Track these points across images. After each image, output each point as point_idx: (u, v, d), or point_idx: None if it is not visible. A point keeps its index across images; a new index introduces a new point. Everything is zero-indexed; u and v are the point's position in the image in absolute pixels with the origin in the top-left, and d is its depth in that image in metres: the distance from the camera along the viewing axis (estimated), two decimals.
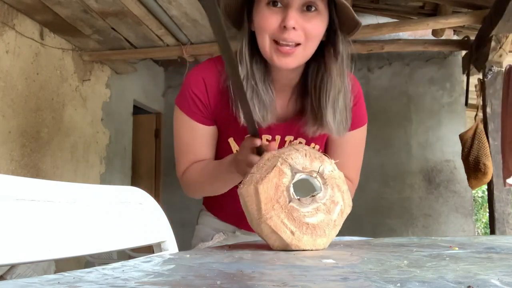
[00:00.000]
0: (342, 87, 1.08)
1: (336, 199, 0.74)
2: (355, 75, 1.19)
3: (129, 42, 3.86)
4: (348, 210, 0.76)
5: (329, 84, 1.07)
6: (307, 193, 0.74)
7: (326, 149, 1.26)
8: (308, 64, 1.10)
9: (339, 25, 1.06)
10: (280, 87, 1.14)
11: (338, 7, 1.02)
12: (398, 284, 0.38)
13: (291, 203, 0.70)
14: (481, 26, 3.47)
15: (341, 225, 0.75)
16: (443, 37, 4.28)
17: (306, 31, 0.99)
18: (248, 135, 0.96)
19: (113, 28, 3.57)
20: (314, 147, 1.21)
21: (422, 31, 4.32)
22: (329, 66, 1.07)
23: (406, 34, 4.42)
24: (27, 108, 3.38)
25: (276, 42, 1.00)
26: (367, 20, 4.59)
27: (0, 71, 3.11)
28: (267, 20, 0.99)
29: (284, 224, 0.69)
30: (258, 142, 0.93)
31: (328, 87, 1.07)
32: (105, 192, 0.79)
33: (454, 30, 4.53)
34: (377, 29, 3.63)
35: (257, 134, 0.94)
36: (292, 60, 1.01)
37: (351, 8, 1.00)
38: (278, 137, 1.19)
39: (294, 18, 0.97)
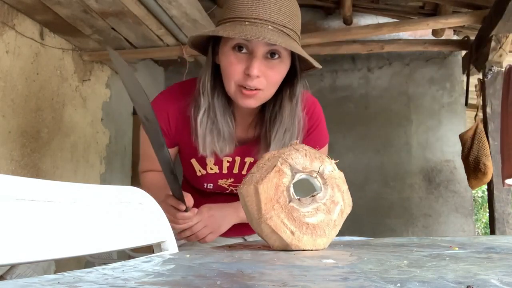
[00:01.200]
0: (291, 127, 1.16)
1: (336, 199, 0.74)
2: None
3: (129, 42, 3.86)
4: (348, 210, 0.76)
5: (279, 123, 1.15)
6: (307, 193, 0.74)
7: None
8: None
9: (299, 67, 1.14)
10: (240, 116, 1.21)
11: (298, 56, 1.09)
12: (398, 284, 0.38)
13: (291, 203, 0.70)
14: (481, 26, 3.47)
15: (341, 225, 0.75)
16: (443, 37, 4.28)
17: (268, 77, 1.06)
18: (172, 197, 1.06)
19: (113, 28, 3.56)
20: None
21: (422, 31, 4.32)
22: (283, 105, 1.15)
23: (406, 34, 4.42)
24: (27, 108, 3.38)
25: (240, 85, 1.06)
26: (367, 20, 4.59)
27: (0, 71, 3.11)
28: (233, 67, 1.05)
29: (284, 224, 0.69)
30: (182, 207, 1.05)
31: (277, 125, 1.15)
32: (105, 192, 0.79)
33: (454, 30, 4.53)
34: (377, 29, 3.63)
35: (181, 197, 1.04)
36: (254, 101, 1.09)
37: (310, 58, 1.07)
38: (238, 158, 1.25)
39: (257, 67, 1.03)
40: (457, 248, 0.71)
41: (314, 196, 0.73)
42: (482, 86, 3.57)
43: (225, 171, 1.27)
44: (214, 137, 1.14)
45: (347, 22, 4.52)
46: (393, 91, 4.79)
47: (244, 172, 1.27)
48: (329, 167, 0.77)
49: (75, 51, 3.97)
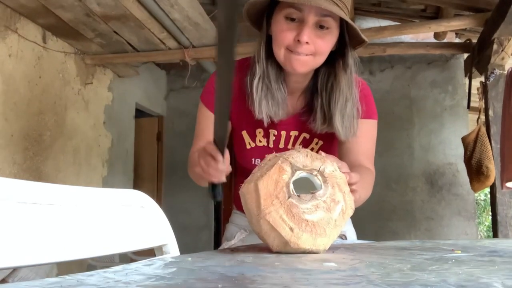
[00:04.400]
0: (350, 97, 1.21)
1: (337, 198, 0.74)
2: (358, 69, 1.27)
3: (131, 45, 3.87)
4: (350, 212, 0.76)
5: (338, 92, 1.20)
6: (308, 193, 0.74)
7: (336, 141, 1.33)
8: (318, 69, 1.22)
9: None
10: (291, 87, 1.26)
11: (348, 26, 1.15)
12: None
13: (290, 199, 0.70)
14: (483, 29, 3.46)
15: (343, 226, 0.74)
16: (445, 40, 4.28)
17: (317, 46, 1.12)
18: (212, 144, 1.00)
19: (115, 32, 3.57)
20: (317, 143, 1.30)
21: (424, 34, 4.32)
22: (339, 76, 1.21)
23: (408, 37, 4.42)
24: (29, 112, 3.39)
25: (289, 50, 1.13)
26: (369, 23, 4.59)
27: (2, 75, 3.12)
28: (284, 34, 1.12)
29: (283, 220, 0.69)
30: (219, 157, 0.99)
31: (337, 94, 1.20)
32: (107, 195, 0.79)
33: (456, 33, 4.53)
34: (379, 32, 3.63)
35: (222, 147, 1.00)
36: (303, 67, 1.15)
37: (358, 30, 1.13)
38: (283, 133, 1.30)
39: (308, 34, 1.09)
40: (459, 251, 0.70)
41: (313, 193, 0.73)
42: (484, 89, 3.56)
43: (271, 145, 1.31)
44: (268, 101, 1.20)
45: None
46: (395, 94, 4.79)
47: (289, 147, 1.30)
48: (331, 167, 0.76)
49: (78, 54, 3.98)
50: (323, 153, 0.81)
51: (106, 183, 4.37)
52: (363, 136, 1.26)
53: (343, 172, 0.83)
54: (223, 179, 1.07)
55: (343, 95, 1.20)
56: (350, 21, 1.11)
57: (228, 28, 0.71)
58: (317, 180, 0.74)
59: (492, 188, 3.49)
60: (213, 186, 1.10)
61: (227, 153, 1.05)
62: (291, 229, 0.68)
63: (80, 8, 3.13)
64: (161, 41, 3.77)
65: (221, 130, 0.98)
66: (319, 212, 0.71)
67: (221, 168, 1.03)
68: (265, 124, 1.24)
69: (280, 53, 1.14)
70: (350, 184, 0.85)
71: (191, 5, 3.24)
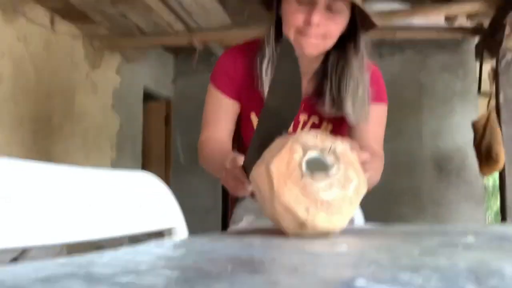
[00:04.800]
0: (361, 80, 1.20)
1: (351, 175, 0.72)
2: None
3: (139, 29, 3.85)
4: (363, 190, 0.74)
5: (349, 76, 1.19)
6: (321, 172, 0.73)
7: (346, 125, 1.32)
8: (328, 52, 1.22)
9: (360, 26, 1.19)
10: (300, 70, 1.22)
11: (358, 10, 1.14)
12: (411, 272, 0.38)
13: (303, 179, 0.68)
14: (495, 12, 3.41)
15: (358, 204, 0.73)
16: (456, 24, 4.22)
17: (327, 28, 1.11)
18: (241, 169, 0.97)
19: (123, 15, 3.56)
20: (326, 127, 1.30)
21: (435, 17, 4.25)
22: (350, 59, 1.20)
23: (418, 20, 4.36)
24: (38, 95, 3.40)
25: (299, 32, 1.12)
26: (379, 6, 4.54)
27: (11, 58, 3.13)
28: (294, 15, 1.11)
29: (298, 200, 0.67)
30: (247, 184, 0.96)
31: (348, 77, 1.19)
32: (117, 177, 0.79)
33: (467, 17, 4.46)
34: (389, 16, 3.59)
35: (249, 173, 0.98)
36: (313, 49, 1.14)
37: (370, 13, 1.14)
38: None
39: (318, 16, 1.09)
40: (472, 236, 0.70)
41: (327, 172, 0.71)
42: (495, 74, 3.52)
43: None
44: None
45: None
46: (405, 79, 4.74)
47: (299, 130, 1.30)
48: (342, 146, 0.75)
49: (86, 38, 3.97)
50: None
51: (115, 166, 4.40)
52: (373, 121, 1.26)
53: (353, 151, 0.83)
54: (247, 193, 1.07)
55: (354, 79, 1.19)
56: (360, 5, 1.10)
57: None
58: (329, 159, 0.73)
59: (501, 173, 3.47)
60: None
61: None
62: (307, 209, 0.67)
63: None
64: (169, 25, 3.75)
65: (253, 157, 0.90)
66: (334, 190, 0.70)
67: (248, 190, 1.01)
68: None
69: (290, 35, 1.13)
70: (360, 164, 0.85)
71: None
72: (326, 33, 1.12)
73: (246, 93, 1.29)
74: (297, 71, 0.83)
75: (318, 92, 1.25)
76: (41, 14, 3.42)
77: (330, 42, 1.15)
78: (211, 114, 1.31)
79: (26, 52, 3.27)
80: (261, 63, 1.20)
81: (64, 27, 3.68)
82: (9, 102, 3.11)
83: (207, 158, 1.26)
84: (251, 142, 0.92)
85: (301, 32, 1.11)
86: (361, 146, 0.95)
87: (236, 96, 1.30)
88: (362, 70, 1.21)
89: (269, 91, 0.90)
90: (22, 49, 3.23)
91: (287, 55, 0.85)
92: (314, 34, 1.10)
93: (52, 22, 3.55)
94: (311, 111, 1.28)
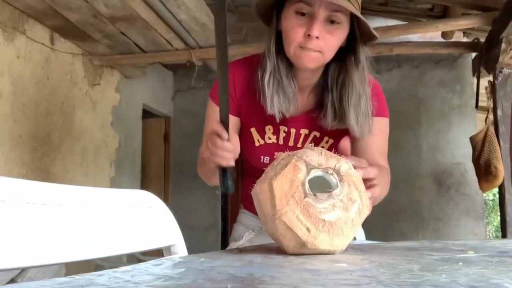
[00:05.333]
0: (363, 93, 1.19)
1: (354, 197, 0.72)
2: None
3: (138, 46, 3.88)
4: (366, 211, 0.74)
5: (351, 88, 1.19)
6: (324, 192, 0.72)
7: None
8: (328, 65, 1.21)
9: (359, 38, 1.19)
10: (301, 84, 1.25)
11: (359, 21, 1.14)
12: None
13: (306, 199, 0.68)
14: (491, 28, 3.44)
15: (360, 225, 0.72)
16: (453, 39, 4.25)
17: (326, 41, 1.11)
18: (219, 123, 1.07)
19: (122, 33, 3.59)
20: (327, 141, 1.29)
21: (431, 33, 4.29)
22: (350, 72, 1.19)
23: (415, 36, 4.40)
24: (38, 112, 3.41)
25: (299, 47, 1.12)
26: (376, 23, 4.57)
27: (11, 76, 3.14)
28: (294, 29, 1.12)
29: (299, 220, 0.66)
30: (225, 135, 1.05)
31: (349, 89, 1.19)
32: (115, 196, 0.79)
33: (463, 32, 4.50)
34: (386, 32, 3.62)
35: (227, 125, 1.06)
36: (312, 63, 1.14)
37: (369, 25, 1.13)
38: (293, 130, 1.29)
39: (318, 29, 1.09)
40: (472, 252, 0.70)
41: (330, 192, 0.71)
42: (492, 88, 3.54)
43: (281, 142, 1.30)
44: (280, 96, 1.20)
45: None
46: (403, 94, 4.77)
47: (299, 145, 1.29)
48: (346, 165, 0.74)
49: (85, 55, 3.99)
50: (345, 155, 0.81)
51: (114, 183, 4.39)
52: (377, 134, 1.25)
53: (362, 168, 0.83)
54: (232, 162, 1.08)
55: (356, 91, 1.18)
56: (360, 16, 1.10)
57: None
58: (333, 179, 0.72)
59: (501, 188, 3.46)
60: (223, 173, 1.10)
61: (236, 137, 1.08)
62: (308, 230, 0.66)
63: (88, 9, 3.14)
64: (168, 42, 3.78)
65: (225, 109, 1.03)
66: (336, 212, 0.69)
67: (227, 146, 1.05)
68: (277, 120, 1.23)
69: (290, 50, 1.14)
70: (369, 180, 0.85)
71: (198, 6, 3.25)
72: (326, 47, 1.12)
73: (246, 108, 1.29)
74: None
75: (319, 106, 1.25)
76: (41, 32, 3.45)
77: (329, 55, 1.15)
78: (211, 126, 1.32)
79: (26, 70, 3.28)
80: (263, 76, 1.20)
81: (63, 45, 3.71)
82: (9, 120, 3.12)
83: (202, 162, 1.25)
84: (218, 93, 1.01)
85: (301, 47, 1.12)
86: (367, 161, 0.94)
87: (236, 112, 1.30)
88: (364, 83, 1.20)
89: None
90: (22, 67, 3.25)
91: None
92: (314, 47, 1.11)
93: (52, 40, 3.57)
94: (312, 125, 1.27)
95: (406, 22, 4.15)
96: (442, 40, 4.26)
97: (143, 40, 3.74)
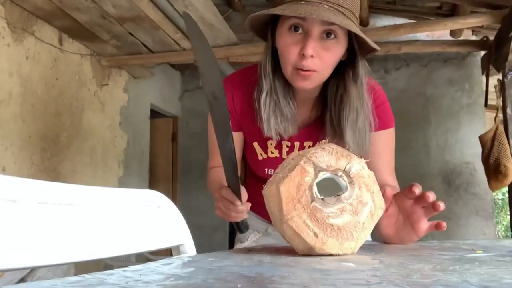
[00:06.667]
0: (361, 110, 1.15)
1: (365, 199, 0.70)
2: (372, 76, 1.23)
3: (146, 46, 3.89)
4: (379, 212, 0.72)
5: (348, 106, 1.14)
6: (333, 194, 0.70)
7: None
8: (327, 79, 1.16)
9: (358, 50, 1.13)
10: (301, 98, 1.21)
11: (356, 35, 1.07)
12: None
13: (313, 203, 0.66)
14: (500, 26, 3.41)
15: (372, 228, 0.70)
16: (461, 38, 4.23)
17: (322, 58, 1.06)
18: (227, 189, 1.02)
19: (130, 33, 3.60)
20: None
21: (439, 31, 4.27)
22: (348, 88, 1.14)
23: (423, 35, 4.38)
24: (46, 113, 3.43)
25: (295, 68, 1.07)
26: (383, 21, 4.56)
27: (20, 77, 3.17)
28: (289, 49, 1.06)
29: (306, 225, 0.65)
30: (237, 203, 1.01)
31: (347, 109, 1.14)
32: (125, 196, 0.79)
33: (472, 30, 4.47)
34: (394, 30, 3.60)
35: (238, 190, 1.00)
36: (309, 82, 1.09)
37: (367, 38, 1.06)
38: (297, 143, 1.26)
39: (312, 47, 1.03)
40: (481, 251, 0.69)
41: (339, 195, 0.69)
42: (501, 87, 3.51)
43: (284, 155, 1.27)
44: (277, 118, 1.16)
45: (364, 23, 4.49)
46: (411, 93, 4.74)
47: None
48: (357, 165, 0.72)
49: (93, 56, 4.02)
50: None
51: (122, 183, 4.41)
52: (382, 149, 1.22)
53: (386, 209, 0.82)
54: (245, 216, 1.08)
55: (354, 109, 1.14)
56: (357, 31, 1.03)
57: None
58: (343, 181, 0.70)
59: (510, 187, 3.43)
60: (236, 222, 1.11)
61: (244, 192, 1.03)
62: (316, 235, 0.65)
63: (96, 10, 3.16)
64: (176, 42, 3.79)
65: (232, 176, 0.97)
66: (345, 216, 0.67)
67: (240, 209, 1.03)
68: (275, 141, 1.21)
69: (287, 71, 1.10)
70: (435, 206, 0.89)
71: (205, 6, 3.25)
72: (322, 64, 1.07)
73: (247, 124, 1.26)
74: (209, 49, 0.86)
75: (321, 122, 1.22)
76: (50, 33, 3.47)
77: (327, 72, 1.11)
78: (214, 145, 1.25)
79: (34, 70, 3.31)
80: (259, 97, 1.16)
81: (72, 45, 3.73)
82: (18, 120, 3.14)
83: (211, 186, 1.25)
84: (223, 163, 0.94)
85: (297, 68, 1.07)
86: (378, 182, 0.90)
87: (237, 127, 1.27)
88: (362, 98, 1.15)
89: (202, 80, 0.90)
90: (31, 67, 3.27)
91: (192, 30, 0.86)
92: (310, 67, 1.05)
93: (60, 41, 3.59)
94: (316, 137, 1.23)
95: (414, 21, 4.12)
96: (451, 38, 4.24)
97: (151, 40, 3.75)
